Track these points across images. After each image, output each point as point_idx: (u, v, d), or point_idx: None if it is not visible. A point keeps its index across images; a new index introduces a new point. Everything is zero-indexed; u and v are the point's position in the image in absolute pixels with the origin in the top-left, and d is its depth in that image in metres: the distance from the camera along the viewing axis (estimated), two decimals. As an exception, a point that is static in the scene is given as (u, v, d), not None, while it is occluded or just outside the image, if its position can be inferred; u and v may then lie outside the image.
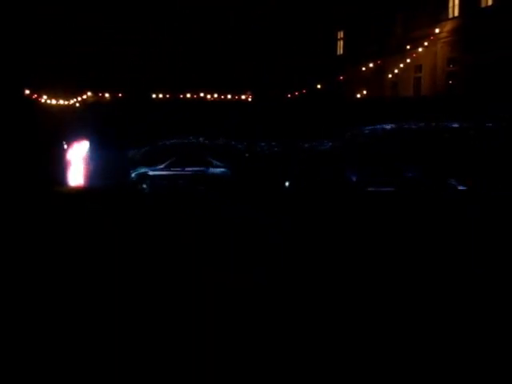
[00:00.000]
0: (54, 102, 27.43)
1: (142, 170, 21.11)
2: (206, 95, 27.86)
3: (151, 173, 21.03)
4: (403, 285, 6.70)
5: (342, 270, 7.38)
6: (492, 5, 25.19)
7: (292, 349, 4.68)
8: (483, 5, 25.70)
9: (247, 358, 4.48)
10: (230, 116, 22.94)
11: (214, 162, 21.01)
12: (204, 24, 34.11)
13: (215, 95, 28.08)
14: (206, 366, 4.34)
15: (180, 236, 9.94)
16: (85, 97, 27.85)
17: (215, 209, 13.40)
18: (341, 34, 35.61)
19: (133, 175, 21.05)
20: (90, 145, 21.97)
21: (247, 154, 21.61)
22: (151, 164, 21.16)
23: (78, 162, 21.73)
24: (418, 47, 28.06)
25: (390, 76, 29.80)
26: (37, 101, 26.95)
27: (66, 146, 21.87)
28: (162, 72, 30.87)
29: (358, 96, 29.35)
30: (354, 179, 17.33)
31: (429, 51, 28.01)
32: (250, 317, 5.39)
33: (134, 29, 33.42)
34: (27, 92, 26.56)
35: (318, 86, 29.19)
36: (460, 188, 16.29)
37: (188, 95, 27.38)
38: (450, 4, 27.65)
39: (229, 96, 28.19)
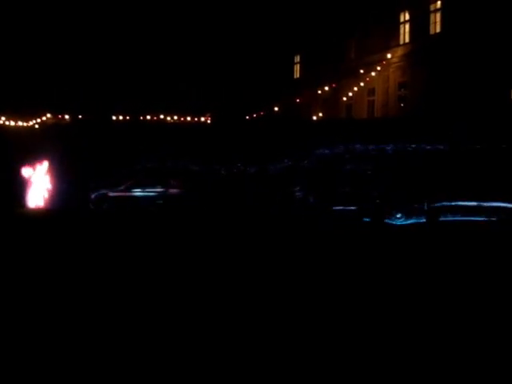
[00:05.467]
0: (12, 123, 27.35)
1: (102, 191, 21.28)
2: (165, 117, 28.23)
3: (111, 194, 21.23)
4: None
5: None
6: (440, 32, 26.43)
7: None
8: (432, 32, 26.94)
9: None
10: (189, 139, 23.33)
11: (173, 183, 21.37)
12: (164, 47, 34.60)
13: (175, 117, 28.47)
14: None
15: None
16: (44, 118, 27.86)
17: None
18: (297, 58, 36.62)
19: (93, 196, 21.21)
20: (50, 166, 22.00)
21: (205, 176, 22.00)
22: (111, 185, 21.35)
23: (37, 183, 21.75)
24: (371, 71, 29.09)
25: (344, 99, 30.76)
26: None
27: (26, 168, 21.85)
28: (123, 94, 31.15)
29: (315, 118, 30.16)
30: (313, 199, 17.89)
31: (381, 75, 29.09)
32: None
33: (94, 50, 33.68)
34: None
35: (276, 109, 29.91)
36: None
37: (148, 117, 27.72)
38: (401, 31, 28.88)
39: (188, 118, 28.61)
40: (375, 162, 18.58)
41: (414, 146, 18.89)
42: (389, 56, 28.84)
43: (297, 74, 36.83)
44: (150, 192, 21.04)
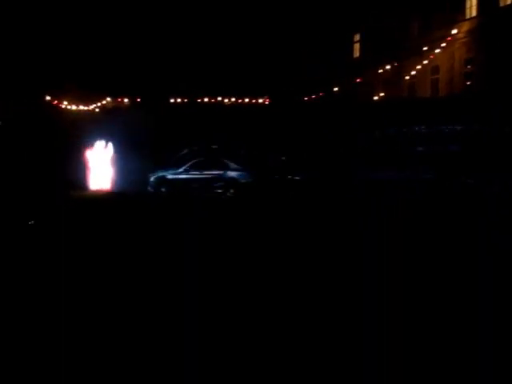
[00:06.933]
0: (74, 107, 27.90)
1: (161, 173, 21.38)
2: (223, 99, 28.10)
3: (170, 176, 21.30)
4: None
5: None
6: (511, 3, 25.07)
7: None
8: (502, 4, 25.59)
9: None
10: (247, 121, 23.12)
11: (231, 165, 21.20)
12: (222, 28, 34.49)
13: (233, 99, 28.31)
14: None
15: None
16: (104, 102, 28.28)
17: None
18: (357, 37, 35.67)
19: (152, 179, 21.36)
20: (111, 150, 22.35)
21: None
22: (170, 168, 21.44)
23: (98, 166, 22.12)
24: (434, 48, 27.98)
25: (407, 78, 29.75)
26: (58, 107, 27.42)
27: (87, 151, 22.25)
28: (180, 77, 31.28)
29: (375, 98, 29.36)
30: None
31: (446, 52, 27.93)
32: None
33: (152, 34, 33.92)
34: (48, 98, 27.05)
35: (336, 89, 29.27)
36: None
37: (206, 99, 27.67)
38: (468, 4, 27.56)
39: (246, 100, 28.39)
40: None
41: None
42: (454, 31, 27.62)
43: (356, 54, 35.90)
44: (209, 175, 20.93)
